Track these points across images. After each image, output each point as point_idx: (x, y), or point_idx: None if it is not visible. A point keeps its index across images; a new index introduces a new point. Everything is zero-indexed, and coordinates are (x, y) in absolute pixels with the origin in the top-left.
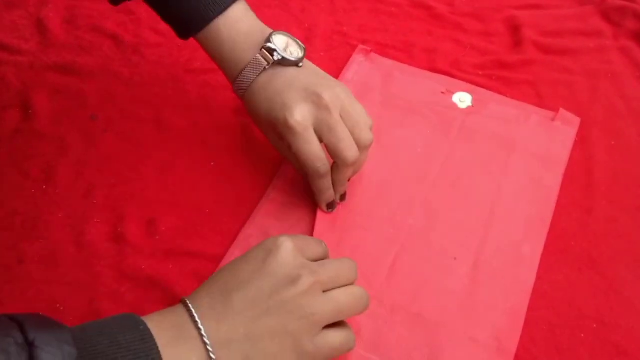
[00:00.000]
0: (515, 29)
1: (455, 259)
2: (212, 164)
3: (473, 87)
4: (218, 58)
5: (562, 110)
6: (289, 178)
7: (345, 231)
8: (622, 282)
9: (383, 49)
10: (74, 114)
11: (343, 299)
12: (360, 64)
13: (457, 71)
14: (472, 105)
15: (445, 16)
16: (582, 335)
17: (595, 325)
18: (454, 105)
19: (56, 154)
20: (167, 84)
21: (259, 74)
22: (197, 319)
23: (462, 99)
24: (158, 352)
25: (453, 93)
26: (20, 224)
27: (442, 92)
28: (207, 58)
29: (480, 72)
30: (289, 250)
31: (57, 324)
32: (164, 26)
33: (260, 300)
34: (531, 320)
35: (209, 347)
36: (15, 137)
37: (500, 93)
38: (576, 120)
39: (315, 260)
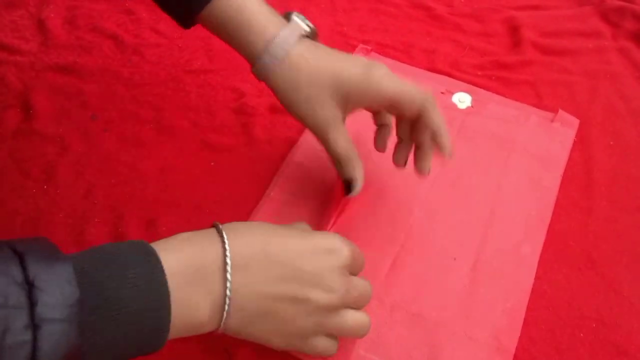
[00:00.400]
0: (514, 30)
1: (455, 259)
2: (212, 163)
3: (473, 87)
4: (238, 29)
5: (561, 112)
6: (289, 177)
7: (345, 231)
8: (622, 282)
9: (383, 49)
10: (74, 114)
11: (350, 323)
12: None
13: (457, 71)
14: (472, 106)
15: (445, 17)
16: (582, 335)
17: (594, 325)
18: (454, 106)
19: (56, 154)
20: (167, 84)
21: (299, 39)
22: (228, 267)
23: (462, 100)
24: (167, 294)
25: (453, 93)
26: (21, 224)
27: (442, 93)
28: (207, 58)
29: (480, 73)
30: (343, 261)
31: (59, 257)
32: (164, 26)
33: (290, 280)
34: (530, 320)
35: (227, 300)
36: (16, 137)
37: (499, 93)
38: (575, 122)
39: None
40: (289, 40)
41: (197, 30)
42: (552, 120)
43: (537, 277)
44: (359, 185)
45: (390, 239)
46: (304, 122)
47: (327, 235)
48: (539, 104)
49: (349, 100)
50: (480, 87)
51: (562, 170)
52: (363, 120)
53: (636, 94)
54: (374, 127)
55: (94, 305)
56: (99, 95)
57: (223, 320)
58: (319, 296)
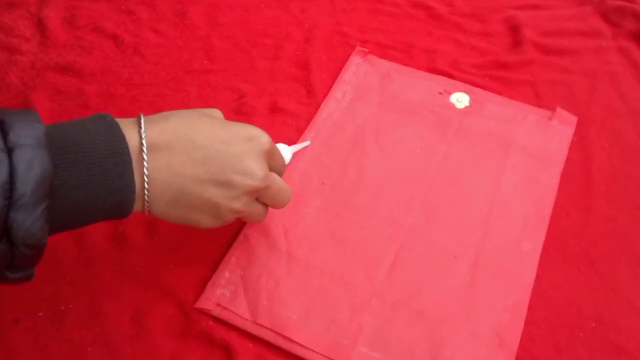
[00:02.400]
0: (514, 29)
1: (455, 257)
2: None
3: (471, 87)
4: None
5: (559, 110)
6: (288, 178)
7: (345, 230)
8: (621, 282)
9: (383, 49)
10: (74, 114)
11: (256, 210)
12: (358, 65)
13: (457, 71)
14: (470, 106)
15: (445, 16)
16: (581, 334)
17: (594, 325)
18: (452, 106)
19: None
20: (167, 84)
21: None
22: (144, 149)
23: (460, 99)
24: (125, 140)
25: (450, 93)
26: None
27: (440, 93)
28: (207, 58)
29: (480, 72)
30: (263, 147)
31: (26, 110)
32: (164, 26)
33: (212, 164)
34: (530, 320)
35: (145, 180)
36: None
37: (499, 93)
38: (573, 119)
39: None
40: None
41: (197, 30)
42: (550, 119)
43: (537, 277)
44: None
45: (390, 237)
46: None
47: (246, 125)
48: (539, 104)
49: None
50: (480, 87)
51: (561, 168)
52: (361, 123)
53: (636, 94)
54: (371, 127)
55: (60, 145)
56: (99, 95)
57: (146, 200)
58: (240, 180)
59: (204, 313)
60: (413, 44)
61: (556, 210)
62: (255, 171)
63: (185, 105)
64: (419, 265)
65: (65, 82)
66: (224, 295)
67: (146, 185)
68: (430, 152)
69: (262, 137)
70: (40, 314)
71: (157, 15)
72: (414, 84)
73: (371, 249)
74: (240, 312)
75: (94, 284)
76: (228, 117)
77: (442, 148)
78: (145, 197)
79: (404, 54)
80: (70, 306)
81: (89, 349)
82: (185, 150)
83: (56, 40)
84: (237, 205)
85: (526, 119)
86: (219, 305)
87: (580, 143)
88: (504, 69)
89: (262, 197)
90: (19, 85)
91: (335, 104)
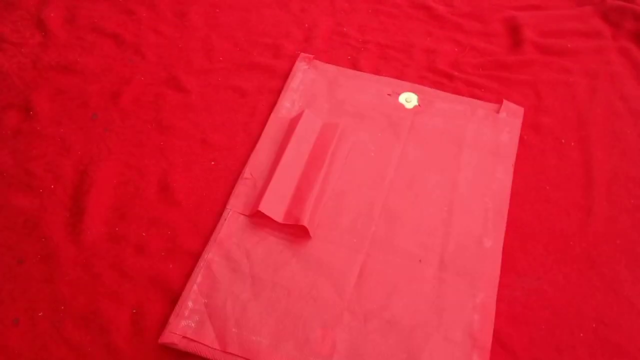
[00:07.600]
0: (514, 30)
1: (420, 261)
2: (212, 162)
3: (418, 86)
4: None
5: (505, 102)
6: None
7: (308, 245)
8: (621, 282)
9: (383, 49)
10: (75, 114)
11: None
12: (304, 72)
13: (457, 71)
14: (419, 105)
15: (445, 17)
16: (582, 334)
17: (594, 325)
18: (401, 107)
19: (57, 153)
20: (168, 84)
21: None
22: None
23: (409, 99)
24: None
25: (399, 94)
26: (22, 224)
27: (388, 94)
28: (207, 58)
29: (480, 73)
30: None
31: None
32: (164, 26)
33: None
34: (530, 320)
35: None
36: (17, 137)
37: (499, 93)
38: (520, 111)
39: None
40: None
41: (197, 31)
42: (497, 112)
43: (537, 277)
44: None
45: (354, 247)
46: None
47: None
48: (539, 104)
49: None
50: (481, 87)
51: (514, 160)
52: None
53: (636, 94)
54: (327, 134)
55: None
56: (99, 94)
57: None
58: None
59: (169, 348)
60: (413, 44)
61: (556, 210)
62: None
63: (185, 105)
64: (386, 273)
65: (66, 82)
66: (189, 327)
67: None
68: (385, 155)
69: None
70: (40, 314)
71: (157, 15)
72: (362, 87)
73: (337, 261)
74: (208, 343)
75: (94, 284)
76: (228, 116)
77: (396, 150)
78: None
79: (404, 54)
80: (70, 306)
81: (89, 349)
82: None
83: (57, 40)
84: None
85: (475, 114)
86: (184, 337)
87: (580, 143)
88: (504, 69)
89: None
90: (20, 85)
91: (285, 114)
